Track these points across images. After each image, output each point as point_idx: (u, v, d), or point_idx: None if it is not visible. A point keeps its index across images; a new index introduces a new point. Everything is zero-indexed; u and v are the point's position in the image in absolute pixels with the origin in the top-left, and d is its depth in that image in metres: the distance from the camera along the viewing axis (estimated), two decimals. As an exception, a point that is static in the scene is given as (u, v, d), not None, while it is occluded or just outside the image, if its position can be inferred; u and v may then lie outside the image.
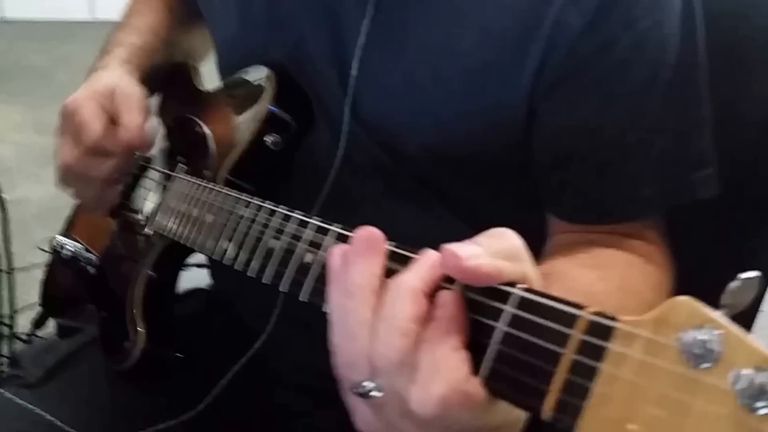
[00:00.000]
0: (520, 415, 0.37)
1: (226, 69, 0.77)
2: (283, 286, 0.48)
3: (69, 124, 0.71)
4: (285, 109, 0.67)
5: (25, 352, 0.85)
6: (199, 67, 0.89)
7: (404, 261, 0.39)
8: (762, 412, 0.26)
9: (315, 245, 0.47)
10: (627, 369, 0.29)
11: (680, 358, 0.28)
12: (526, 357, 0.33)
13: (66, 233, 0.87)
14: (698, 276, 0.57)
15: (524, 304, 0.34)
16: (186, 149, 0.75)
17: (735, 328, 0.28)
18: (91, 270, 0.80)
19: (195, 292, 0.84)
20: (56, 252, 0.83)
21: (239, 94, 0.73)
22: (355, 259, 0.39)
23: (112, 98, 0.72)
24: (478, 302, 0.36)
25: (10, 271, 1.27)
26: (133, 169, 0.79)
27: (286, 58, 0.68)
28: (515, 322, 0.34)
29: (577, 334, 0.32)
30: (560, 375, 0.32)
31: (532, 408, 0.33)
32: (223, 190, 0.62)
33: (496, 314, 0.35)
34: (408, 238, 0.41)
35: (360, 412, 0.39)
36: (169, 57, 0.85)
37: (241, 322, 0.77)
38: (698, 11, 0.60)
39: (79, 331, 0.81)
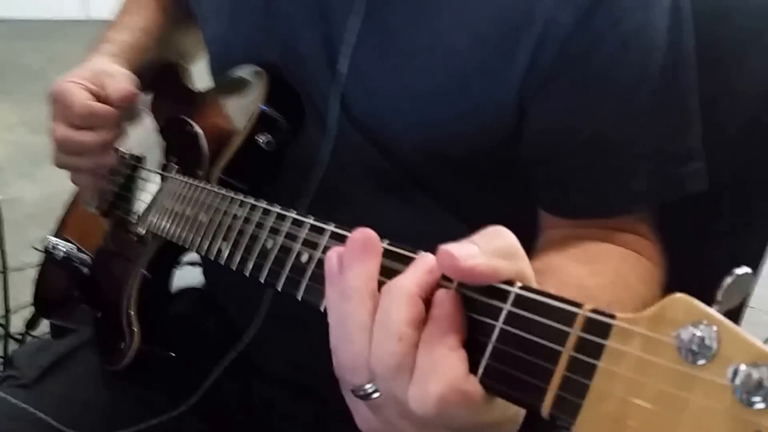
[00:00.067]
0: (517, 412, 0.37)
1: (217, 68, 0.77)
2: (279, 286, 0.48)
3: (58, 105, 0.73)
4: (277, 109, 0.68)
5: (20, 352, 0.84)
6: (190, 67, 0.89)
7: (401, 259, 0.39)
8: (758, 406, 0.26)
9: (310, 244, 0.47)
10: (625, 366, 0.30)
11: (677, 354, 0.28)
12: (524, 355, 0.33)
13: (58, 233, 0.87)
14: (688, 271, 0.58)
15: (521, 302, 0.35)
16: (178, 149, 0.75)
17: (731, 325, 0.28)
18: (84, 270, 0.80)
19: (187, 291, 0.84)
20: (48, 252, 0.83)
21: (231, 94, 0.73)
22: (351, 262, 0.39)
23: (98, 77, 0.73)
24: (475, 301, 0.36)
25: (4, 270, 1.27)
26: (125, 169, 0.79)
27: (278, 58, 0.69)
28: (513, 320, 0.35)
29: (575, 332, 0.32)
30: (559, 373, 0.32)
31: (532, 405, 0.33)
32: (216, 190, 0.62)
33: (494, 313, 0.35)
34: (399, 236, 0.41)
35: (360, 412, 0.39)
36: (161, 56, 0.85)
37: (231, 320, 0.77)
38: (686, 6, 0.61)
39: (73, 332, 0.81)
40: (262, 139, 0.67)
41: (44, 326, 1.00)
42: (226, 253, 0.56)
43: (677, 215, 0.64)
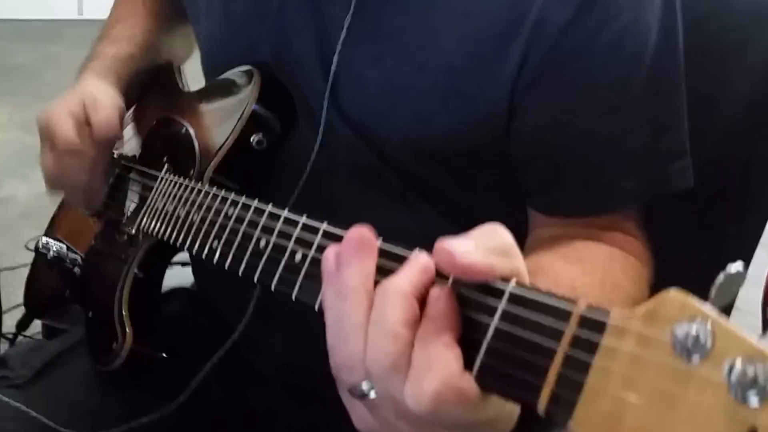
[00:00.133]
0: (512, 409, 0.37)
1: (210, 68, 0.77)
2: (273, 285, 0.48)
3: (45, 134, 0.75)
4: (269, 108, 0.68)
5: (12, 352, 0.84)
6: (182, 68, 0.89)
7: (395, 258, 0.39)
8: (753, 402, 0.26)
9: (304, 243, 0.46)
10: (620, 362, 0.30)
11: (672, 351, 0.29)
12: (519, 352, 0.33)
13: (49, 233, 0.87)
14: (679, 270, 0.58)
15: (517, 299, 0.35)
16: (171, 149, 0.75)
17: (725, 321, 0.28)
18: (75, 270, 0.80)
19: (177, 292, 0.84)
20: (39, 253, 0.83)
21: (223, 94, 0.73)
22: (348, 260, 0.39)
23: (82, 104, 0.74)
24: (470, 299, 0.36)
25: (-4, 270, 1.26)
26: (117, 169, 0.79)
27: (271, 57, 0.68)
28: (508, 317, 0.35)
29: (570, 329, 0.32)
30: (554, 369, 0.32)
31: (528, 402, 0.33)
32: (208, 189, 0.62)
33: (489, 310, 0.35)
34: (389, 235, 0.41)
35: (357, 412, 0.39)
36: (150, 62, 0.85)
37: (221, 320, 0.77)
38: (677, 5, 0.61)
39: (65, 332, 0.81)
40: (253, 138, 0.67)
41: (36, 326, 1.00)
42: (218, 252, 0.56)
43: (669, 214, 0.64)
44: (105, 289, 0.72)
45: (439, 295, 0.36)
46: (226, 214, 0.57)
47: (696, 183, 0.63)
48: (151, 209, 0.70)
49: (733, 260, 0.30)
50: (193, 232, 0.61)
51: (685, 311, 0.29)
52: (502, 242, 0.37)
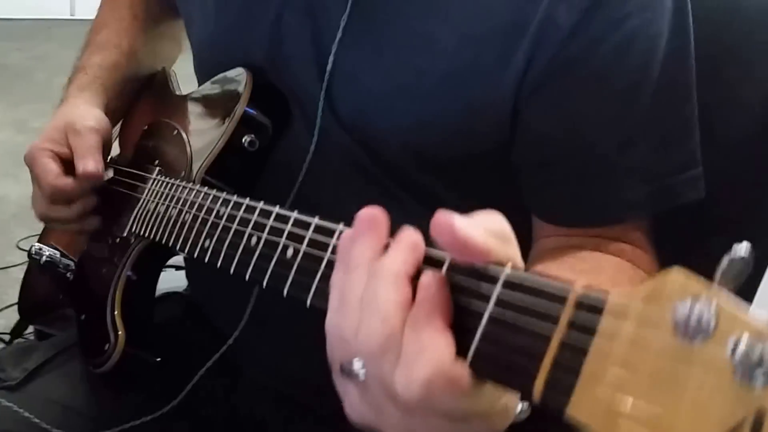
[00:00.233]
0: (507, 405, 0.36)
1: (203, 70, 0.76)
2: (264, 282, 0.48)
3: (32, 174, 0.76)
4: (261, 110, 0.68)
5: (5, 354, 0.84)
6: (173, 71, 0.88)
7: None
8: (758, 382, 0.25)
9: (295, 238, 0.46)
10: (619, 344, 0.29)
11: (674, 331, 0.27)
12: (515, 337, 0.32)
13: (43, 239, 0.87)
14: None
15: (512, 283, 0.34)
16: (162, 152, 0.75)
17: (729, 300, 0.27)
18: (69, 275, 0.80)
19: (171, 296, 0.84)
20: (33, 258, 0.83)
21: (215, 97, 0.73)
22: (358, 236, 0.39)
23: (66, 139, 0.75)
24: (464, 284, 0.35)
25: (-12, 271, 1.26)
26: (109, 172, 0.79)
27: (264, 58, 0.68)
28: (503, 302, 0.34)
29: (567, 312, 0.31)
30: (551, 354, 0.31)
31: (523, 389, 0.32)
32: (199, 188, 0.62)
33: (483, 295, 0.34)
34: None
35: (348, 395, 0.38)
36: (136, 68, 0.85)
37: (215, 324, 0.77)
38: (688, 11, 0.59)
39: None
40: (245, 139, 0.67)
41: (29, 328, 0.99)
42: (210, 251, 0.56)
43: (678, 224, 0.62)
44: (98, 290, 0.72)
45: (431, 279, 0.35)
46: (218, 212, 0.57)
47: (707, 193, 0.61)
48: (143, 210, 0.70)
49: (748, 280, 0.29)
50: (184, 231, 0.61)
51: (687, 289, 0.28)
52: (499, 227, 0.37)
